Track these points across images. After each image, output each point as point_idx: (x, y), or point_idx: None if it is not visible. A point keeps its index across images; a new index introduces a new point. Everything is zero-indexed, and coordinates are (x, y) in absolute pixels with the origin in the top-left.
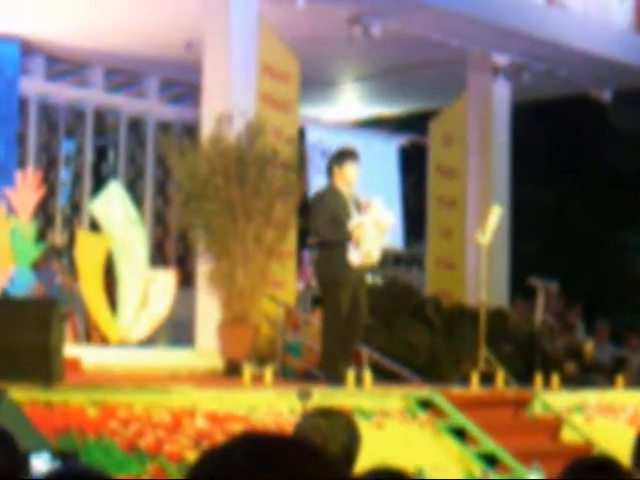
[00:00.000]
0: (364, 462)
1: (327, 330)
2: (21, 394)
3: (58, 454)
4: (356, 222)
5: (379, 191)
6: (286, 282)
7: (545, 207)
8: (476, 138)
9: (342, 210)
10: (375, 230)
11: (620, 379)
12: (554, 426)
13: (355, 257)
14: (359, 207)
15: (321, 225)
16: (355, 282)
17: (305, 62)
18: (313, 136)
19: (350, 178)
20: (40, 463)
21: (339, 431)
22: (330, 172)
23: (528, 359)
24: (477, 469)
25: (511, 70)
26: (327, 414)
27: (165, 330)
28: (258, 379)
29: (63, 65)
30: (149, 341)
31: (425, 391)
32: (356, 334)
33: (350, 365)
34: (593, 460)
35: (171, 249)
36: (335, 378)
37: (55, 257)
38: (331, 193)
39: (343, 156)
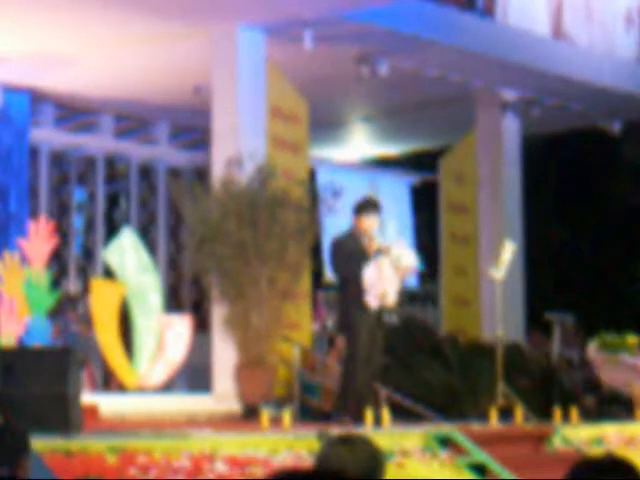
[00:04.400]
0: None
1: (343, 371)
2: (40, 443)
3: None
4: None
5: (391, 230)
6: (301, 323)
7: (558, 241)
8: (487, 174)
9: (360, 254)
10: (393, 271)
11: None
12: (574, 460)
13: (372, 300)
14: (379, 251)
15: (339, 262)
16: (372, 323)
17: (314, 103)
18: (324, 176)
19: (368, 229)
20: None
21: (360, 459)
22: (352, 220)
23: (546, 393)
24: None
25: (520, 105)
26: (348, 442)
27: (182, 375)
28: (277, 422)
29: (73, 114)
30: (166, 387)
31: (444, 429)
32: (372, 374)
33: (370, 405)
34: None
35: (185, 294)
36: (349, 419)
37: (70, 306)
38: (350, 238)
39: (362, 207)
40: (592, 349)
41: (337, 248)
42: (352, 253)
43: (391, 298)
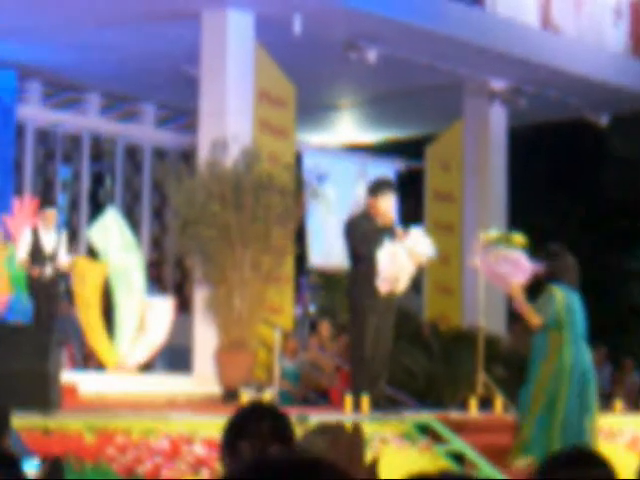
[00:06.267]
0: None
1: (352, 358)
2: (18, 421)
3: None
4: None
5: None
6: (283, 308)
7: (542, 231)
8: (473, 163)
9: (374, 234)
10: (408, 259)
11: (618, 403)
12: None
13: (382, 284)
14: (394, 236)
15: (354, 242)
16: (382, 310)
17: (301, 88)
18: (310, 161)
19: (383, 209)
20: None
21: (339, 447)
22: (366, 201)
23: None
24: None
25: (507, 95)
26: (326, 431)
27: (162, 357)
28: None
29: (60, 91)
30: (146, 367)
31: (423, 416)
32: (380, 364)
33: (377, 394)
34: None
35: (168, 275)
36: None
37: None
38: (364, 219)
39: (377, 187)
40: (477, 246)
41: (351, 227)
42: (366, 233)
43: (402, 284)
